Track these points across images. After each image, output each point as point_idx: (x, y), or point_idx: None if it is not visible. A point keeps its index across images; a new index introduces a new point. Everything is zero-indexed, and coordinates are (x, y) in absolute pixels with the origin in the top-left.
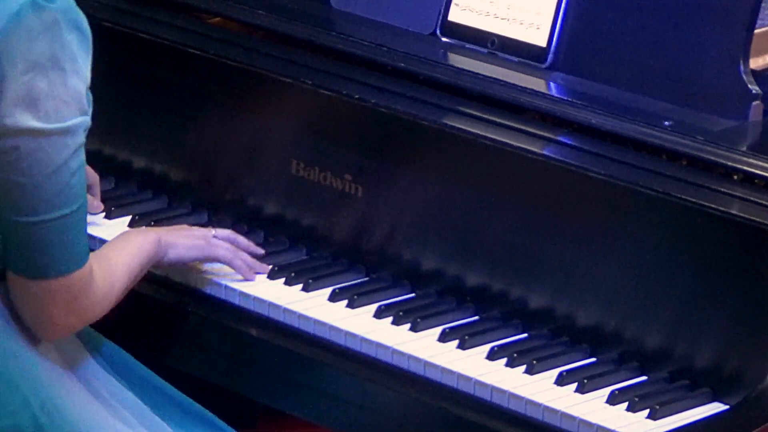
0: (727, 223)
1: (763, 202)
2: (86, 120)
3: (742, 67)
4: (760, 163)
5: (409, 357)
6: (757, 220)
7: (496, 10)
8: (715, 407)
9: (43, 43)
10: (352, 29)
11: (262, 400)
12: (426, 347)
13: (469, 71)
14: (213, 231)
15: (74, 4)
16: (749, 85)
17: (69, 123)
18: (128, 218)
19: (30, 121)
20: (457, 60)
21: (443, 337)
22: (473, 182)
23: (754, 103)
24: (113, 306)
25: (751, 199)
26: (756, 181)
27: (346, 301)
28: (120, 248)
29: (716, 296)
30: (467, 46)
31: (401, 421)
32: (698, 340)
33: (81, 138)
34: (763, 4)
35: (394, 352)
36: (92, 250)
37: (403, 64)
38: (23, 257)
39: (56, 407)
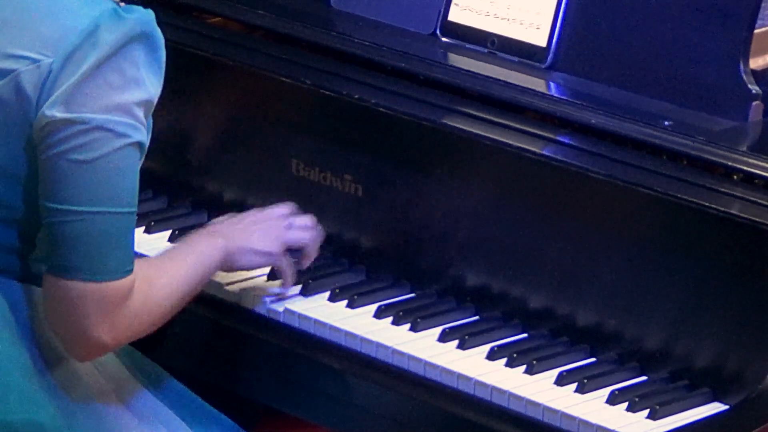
0: (727, 223)
1: (763, 202)
2: (136, 125)
3: (742, 67)
4: (760, 163)
5: (409, 357)
6: (757, 220)
7: (496, 10)
8: (715, 407)
9: (112, 47)
10: (352, 29)
11: (262, 400)
12: (426, 347)
13: (469, 71)
14: (291, 218)
15: (153, 21)
16: (749, 85)
17: (114, 120)
18: None
19: (74, 113)
20: (457, 60)
21: (443, 337)
22: (473, 182)
23: (754, 103)
24: (160, 324)
25: (751, 199)
26: (756, 181)
27: (346, 301)
28: (179, 258)
29: (716, 296)
30: (467, 46)
31: (401, 421)
32: (698, 340)
33: (127, 141)
34: (763, 4)
35: (394, 352)
36: None
37: (403, 64)
38: (54, 252)
39: (79, 408)
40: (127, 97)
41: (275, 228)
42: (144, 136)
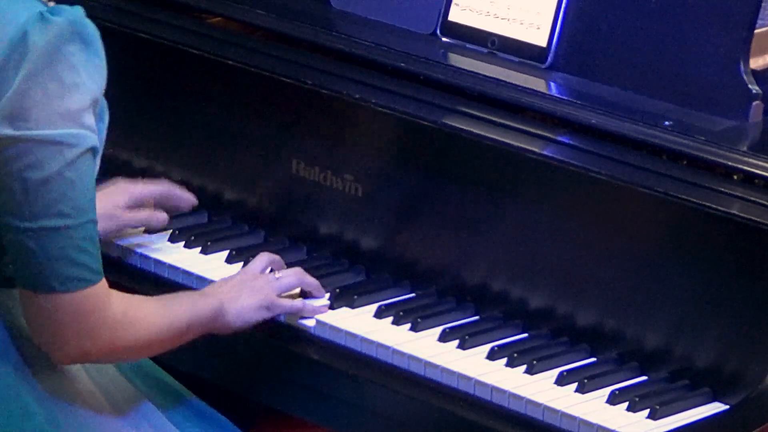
0: (727, 223)
1: (763, 202)
2: (84, 133)
3: (742, 67)
4: (760, 163)
5: (409, 357)
6: (757, 220)
7: (496, 10)
8: (715, 407)
9: (44, 54)
10: (352, 29)
11: (261, 400)
12: (426, 347)
13: (469, 71)
14: (276, 273)
15: (82, 16)
16: (749, 85)
17: (61, 132)
18: None
19: (20, 130)
20: (457, 60)
21: (443, 337)
22: (473, 182)
23: (754, 103)
24: (148, 351)
25: (751, 199)
26: (756, 181)
27: (346, 302)
28: (170, 298)
29: (716, 296)
30: (467, 46)
31: (401, 421)
32: (698, 340)
33: (78, 151)
34: (763, 4)
35: (395, 352)
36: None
37: (403, 64)
38: (23, 268)
39: (67, 415)
40: (70, 104)
41: (264, 284)
42: (95, 141)
